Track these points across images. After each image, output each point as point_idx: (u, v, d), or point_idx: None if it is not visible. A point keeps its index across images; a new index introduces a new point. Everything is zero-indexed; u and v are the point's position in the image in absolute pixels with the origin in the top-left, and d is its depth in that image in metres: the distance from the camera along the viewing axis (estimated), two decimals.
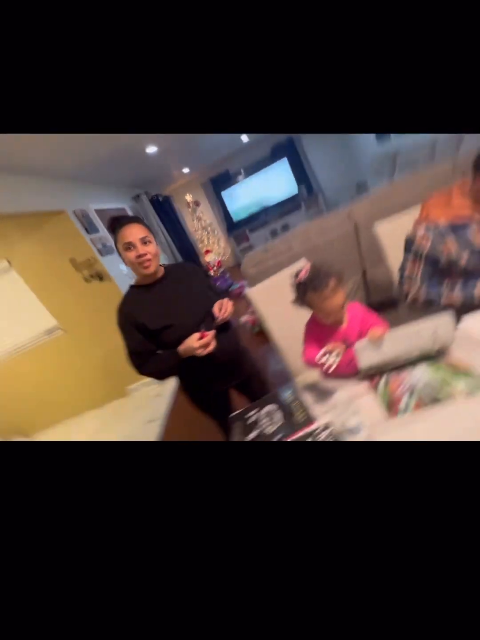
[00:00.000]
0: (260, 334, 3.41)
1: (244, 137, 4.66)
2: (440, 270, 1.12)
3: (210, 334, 1.05)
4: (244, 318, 3.70)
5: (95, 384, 3.25)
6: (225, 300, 1.20)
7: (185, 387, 1.31)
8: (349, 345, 0.94)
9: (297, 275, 0.98)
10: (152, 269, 1.11)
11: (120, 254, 1.12)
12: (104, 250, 2.83)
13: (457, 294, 1.08)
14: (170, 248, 4.66)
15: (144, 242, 1.08)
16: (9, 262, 2.75)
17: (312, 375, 1.19)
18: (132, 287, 1.19)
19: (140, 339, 1.11)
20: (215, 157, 5.22)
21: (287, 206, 6.41)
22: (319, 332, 1.06)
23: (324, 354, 0.91)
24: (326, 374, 1.12)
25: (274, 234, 6.27)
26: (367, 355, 0.92)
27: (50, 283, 2.82)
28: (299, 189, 6.38)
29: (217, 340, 1.09)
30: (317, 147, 6.13)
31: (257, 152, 6.04)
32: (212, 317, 1.15)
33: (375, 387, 0.95)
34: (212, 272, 5.41)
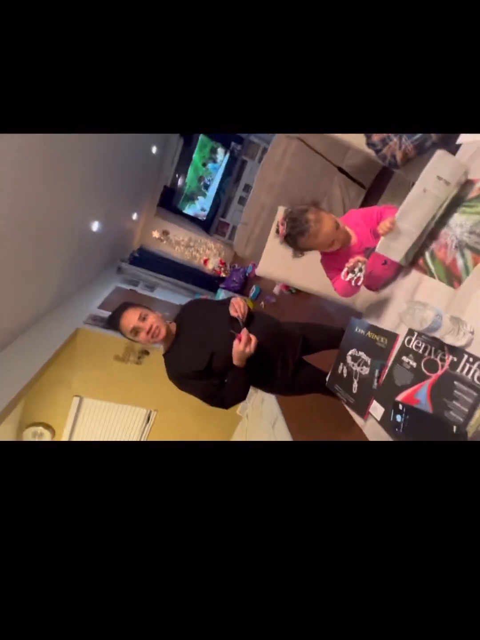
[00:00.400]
0: (299, 292, 3.34)
1: (153, 148, 4.59)
2: None
3: (244, 332, 1.08)
4: (276, 289, 3.65)
5: (213, 423, 3.47)
6: (233, 299, 1.24)
7: (270, 389, 1.33)
8: (371, 250, 0.88)
9: (278, 233, 0.96)
10: (164, 332, 1.16)
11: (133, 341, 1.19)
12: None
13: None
14: (176, 284, 4.78)
15: (143, 318, 1.13)
16: (79, 396, 3.08)
17: (369, 299, 1.13)
18: (164, 355, 1.26)
19: (202, 384, 1.17)
20: (146, 186, 5.23)
21: (233, 170, 6.15)
22: (336, 261, 1.01)
23: (348, 273, 0.87)
24: (376, 288, 1.07)
25: (241, 201, 6.06)
26: (394, 248, 0.84)
27: (117, 386, 3.09)
28: (231, 148, 6.08)
29: (254, 332, 1.11)
30: None
31: (171, 150, 5.90)
32: (236, 320, 1.19)
33: (424, 269, 0.87)
34: (223, 274, 5.43)
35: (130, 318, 1.13)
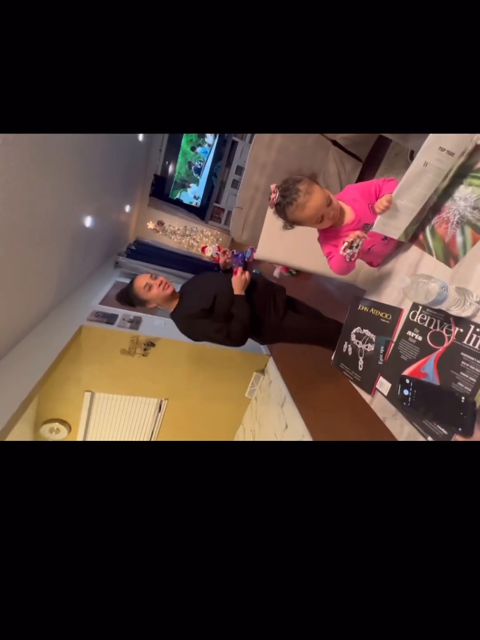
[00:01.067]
0: (299, 273, 3.31)
1: (140, 136, 4.45)
2: None
3: (239, 268, 1.33)
4: (276, 272, 3.63)
5: (223, 407, 3.53)
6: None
7: (266, 333, 1.42)
8: (369, 226, 0.86)
9: (270, 201, 0.95)
10: (171, 287, 1.38)
11: (148, 305, 1.38)
12: (135, 324, 3.04)
13: None
14: (177, 276, 4.74)
15: (154, 277, 1.36)
16: (90, 391, 3.12)
17: (370, 276, 1.11)
18: (172, 314, 1.41)
19: (209, 321, 1.31)
20: (137, 176, 5.11)
21: (223, 152, 5.98)
22: (333, 237, 0.99)
23: (345, 249, 0.85)
24: (377, 264, 1.05)
25: (235, 185, 5.93)
26: (392, 226, 0.82)
27: (126, 379, 3.13)
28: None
29: (250, 286, 1.35)
30: None
31: (158, 136, 5.73)
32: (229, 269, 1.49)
33: (423, 245, 0.85)
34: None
35: (142, 280, 1.34)
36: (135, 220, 5.87)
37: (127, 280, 4.04)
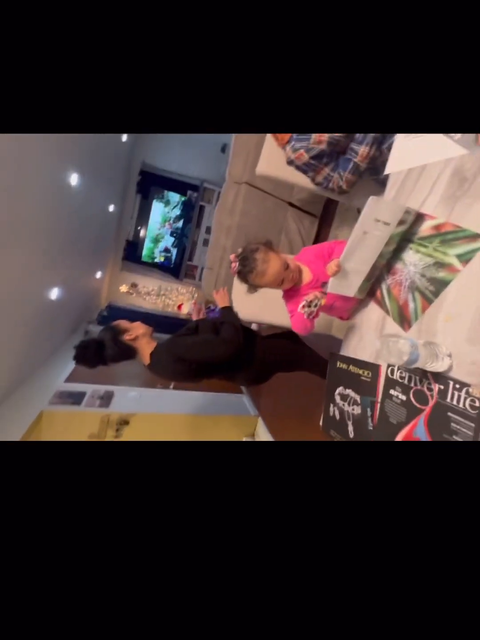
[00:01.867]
0: (273, 328, 3.34)
1: (111, 207, 4.67)
2: (333, 153, 1.13)
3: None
4: (254, 325, 3.66)
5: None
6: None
7: (253, 374, 1.32)
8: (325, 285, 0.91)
9: (231, 270, 1.01)
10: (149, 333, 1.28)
11: (128, 336, 1.17)
12: (106, 400, 2.80)
13: (363, 149, 1.09)
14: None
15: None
16: None
17: (344, 326, 1.12)
18: (151, 353, 1.21)
19: (196, 338, 1.20)
20: (106, 242, 5.26)
21: (192, 216, 6.38)
22: (294, 296, 1.04)
23: (303, 307, 0.88)
24: (346, 317, 1.07)
25: (206, 243, 6.23)
26: (345, 285, 0.86)
27: None
28: (188, 195, 6.35)
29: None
30: (159, 154, 6.11)
31: (130, 205, 6.07)
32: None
33: (381, 303, 0.88)
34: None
35: (123, 323, 1.21)
36: (108, 285, 5.90)
37: None
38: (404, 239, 0.84)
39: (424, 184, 0.86)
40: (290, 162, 1.19)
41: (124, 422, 2.68)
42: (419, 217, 0.82)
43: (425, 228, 0.80)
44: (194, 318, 1.47)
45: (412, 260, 0.81)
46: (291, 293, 1.04)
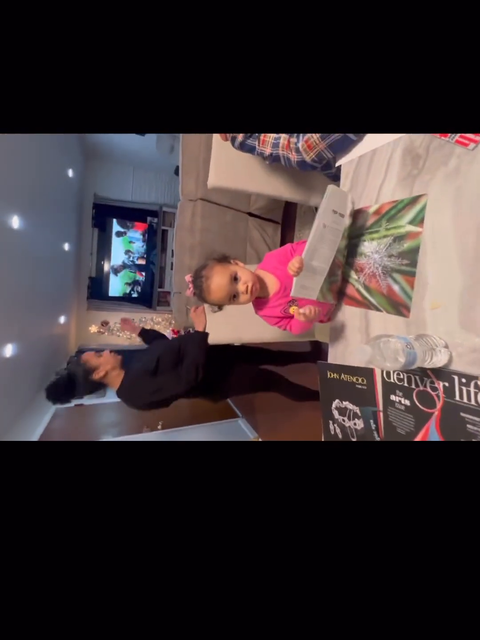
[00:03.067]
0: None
1: (66, 246, 4.46)
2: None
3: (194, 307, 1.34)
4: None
5: None
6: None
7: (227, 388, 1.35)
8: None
9: (188, 292, 1.00)
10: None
11: (97, 374, 1.22)
12: None
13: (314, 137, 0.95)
14: None
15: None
16: None
17: (325, 329, 1.05)
18: (118, 389, 1.27)
19: (158, 379, 1.20)
20: (68, 284, 5.02)
21: (156, 241, 6.28)
22: (264, 306, 0.99)
23: (301, 315, 0.83)
24: (327, 319, 1.01)
25: (172, 267, 6.13)
26: (308, 287, 0.81)
27: None
28: (149, 222, 6.27)
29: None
30: (111, 184, 6.02)
31: (87, 240, 5.88)
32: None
33: (367, 304, 0.82)
34: None
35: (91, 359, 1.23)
36: (75, 329, 5.60)
37: (71, 404, 3.56)
38: (354, 236, 0.84)
39: (377, 169, 0.82)
40: (238, 145, 1.06)
41: None
42: (360, 212, 0.83)
43: (368, 218, 0.81)
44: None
45: (373, 249, 0.80)
46: (260, 305, 0.99)
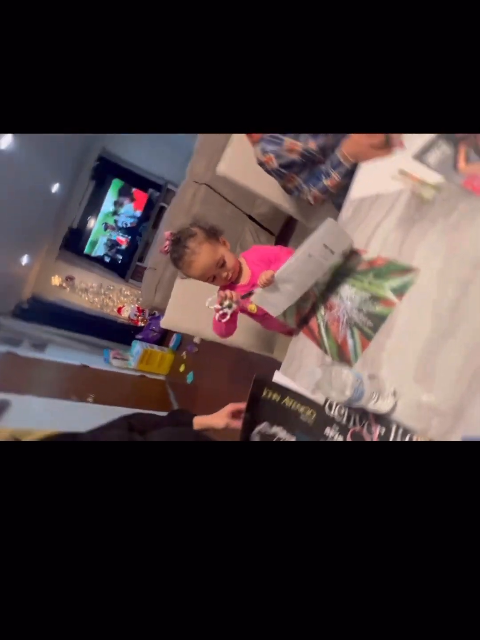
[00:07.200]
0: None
1: (54, 187, 4.17)
2: (306, 164, 1.05)
3: None
4: (197, 338, 3.45)
5: None
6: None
7: None
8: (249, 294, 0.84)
9: (162, 248, 0.92)
10: None
11: None
12: None
13: (333, 175, 1.00)
14: (77, 339, 4.16)
15: None
16: None
17: (284, 348, 1.01)
18: None
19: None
20: (44, 227, 4.68)
21: (151, 215, 6.08)
22: (228, 288, 0.95)
23: (212, 303, 0.82)
24: (279, 329, 1.03)
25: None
26: (272, 302, 0.78)
27: None
28: (150, 194, 6.05)
29: None
30: (129, 147, 5.79)
31: (78, 191, 5.55)
32: None
33: (319, 342, 0.81)
34: (141, 323, 5.02)
35: None
36: (36, 275, 5.20)
37: (4, 350, 3.19)
38: (340, 274, 0.82)
39: (381, 204, 0.81)
40: (260, 164, 1.09)
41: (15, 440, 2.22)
42: (354, 253, 0.81)
43: (359, 263, 0.79)
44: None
45: (349, 295, 0.78)
46: (225, 285, 0.97)
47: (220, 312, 0.81)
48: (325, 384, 0.57)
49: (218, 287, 0.99)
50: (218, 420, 0.91)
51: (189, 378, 3.33)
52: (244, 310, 0.93)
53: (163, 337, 4.61)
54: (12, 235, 3.28)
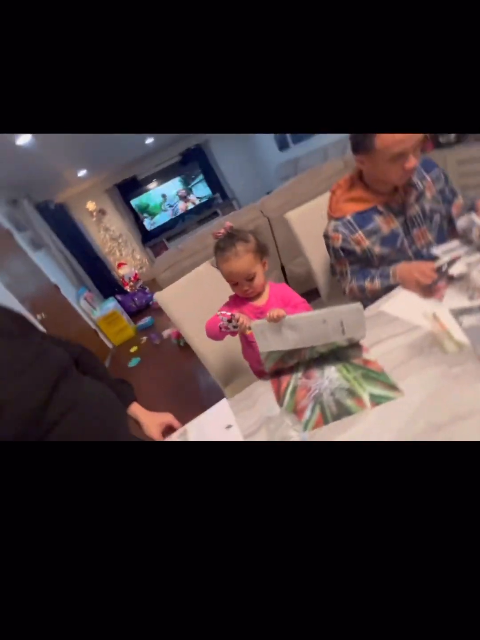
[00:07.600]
0: (187, 347, 3.13)
1: (149, 139, 4.35)
2: (362, 260, 1.10)
3: None
4: (167, 332, 3.37)
5: None
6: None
7: None
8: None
9: (214, 233, 0.93)
10: None
11: None
12: None
13: (376, 282, 1.05)
14: (69, 262, 4.03)
15: None
16: None
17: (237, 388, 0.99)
18: None
19: None
20: (118, 160, 4.79)
21: (203, 213, 6.28)
22: (236, 304, 0.99)
23: (223, 316, 0.83)
24: (257, 369, 1.00)
25: None
26: (266, 338, 0.81)
27: None
28: (214, 195, 6.33)
29: None
30: (226, 153, 6.17)
31: (164, 156, 5.78)
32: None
33: (280, 395, 0.82)
34: (128, 288, 4.92)
35: None
36: (79, 191, 5.20)
37: (5, 227, 3.05)
38: (335, 354, 0.85)
39: (404, 323, 0.85)
40: (325, 236, 1.14)
41: None
42: (358, 345, 0.84)
43: (357, 356, 0.82)
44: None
45: (331, 376, 0.81)
46: (237, 301, 0.99)
47: (224, 326, 0.83)
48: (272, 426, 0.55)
49: (231, 293, 1.00)
50: (153, 429, 0.87)
51: (133, 362, 3.18)
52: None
53: (137, 313, 4.52)
54: (85, 147, 3.32)
